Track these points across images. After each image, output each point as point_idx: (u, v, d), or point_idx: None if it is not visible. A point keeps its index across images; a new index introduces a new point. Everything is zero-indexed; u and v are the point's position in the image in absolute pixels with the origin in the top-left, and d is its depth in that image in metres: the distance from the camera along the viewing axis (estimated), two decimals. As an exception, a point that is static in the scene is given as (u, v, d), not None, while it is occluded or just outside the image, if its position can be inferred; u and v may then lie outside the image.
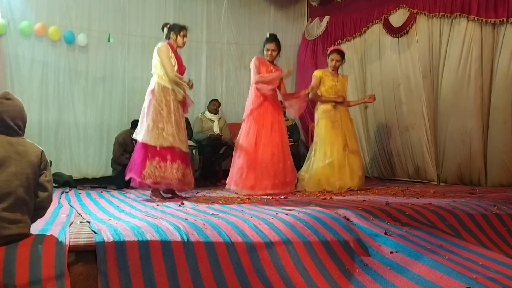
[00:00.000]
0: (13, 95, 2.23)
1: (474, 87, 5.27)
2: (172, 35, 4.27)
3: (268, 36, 4.69)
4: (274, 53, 4.61)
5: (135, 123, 5.89)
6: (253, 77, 4.60)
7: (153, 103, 4.06)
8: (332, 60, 4.98)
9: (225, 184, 4.69)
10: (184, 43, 4.31)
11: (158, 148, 4.00)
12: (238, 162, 4.50)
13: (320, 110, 4.97)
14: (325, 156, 4.80)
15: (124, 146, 5.81)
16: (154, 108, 4.05)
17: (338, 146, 4.80)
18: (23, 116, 2.20)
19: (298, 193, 4.56)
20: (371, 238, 2.58)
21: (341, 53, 5.06)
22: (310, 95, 4.95)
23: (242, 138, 4.55)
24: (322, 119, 4.93)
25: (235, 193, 4.51)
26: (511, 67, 5.04)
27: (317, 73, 5.05)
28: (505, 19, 5.05)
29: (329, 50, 5.17)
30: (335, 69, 5.04)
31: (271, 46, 4.59)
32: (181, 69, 4.28)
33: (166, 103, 4.09)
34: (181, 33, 4.26)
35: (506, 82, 5.06)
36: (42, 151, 2.21)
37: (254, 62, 4.60)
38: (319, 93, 4.97)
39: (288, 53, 7.32)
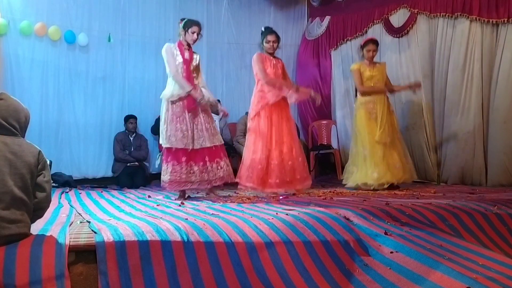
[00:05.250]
0: (8, 95, 2.21)
1: (475, 87, 5.26)
2: (181, 31, 4.22)
3: (264, 29, 4.57)
4: (275, 44, 4.49)
5: (126, 119, 6.16)
6: (262, 76, 4.41)
7: (163, 104, 4.16)
8: (369, 50, 4.97)
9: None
10: (194, 40, 4.20)
11: (166, 150, 4.09)
12: (248, 159, 4.40)
13: (359, 102, 5.01)
14: (363, 147, 4.84)
15: (123, 142, 6.13)
16: (163, 109, 4.15)
17: (374, 138, 4.81)
18: (18, 116, 2.17)
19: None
20: (371, 238, 2.58)
21: (376, 42, 5.07)
22: (360, 90, 4.97)
23: (251, 136, 4.45)
24: (360, 110, 4.97)
25: (239, 192, 4.54)
26: (511, 68, 5.04)
27: (354, 66, 5.06)
28: (506, 19, 5.04)
29: (363, 41, 5.15)
30: (372, 59, 5.01)
31: (272, 37, 4.47)
32: (187, 71, 4.18)
33: (172, 104, 4.11)
34: (190, 30, 4.17)
35: (507, 83, 5.05)
36: (40, 152, 2.20)
37: (257, 60, 4.44)
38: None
39: (288, 53, 7.33)
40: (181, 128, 4.07)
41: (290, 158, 4.40)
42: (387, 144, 4.84)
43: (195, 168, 4.11)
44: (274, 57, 4.59)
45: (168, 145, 4.06)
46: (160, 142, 4.19)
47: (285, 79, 4.61)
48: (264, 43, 4.51)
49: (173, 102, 4.10)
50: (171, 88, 4.10)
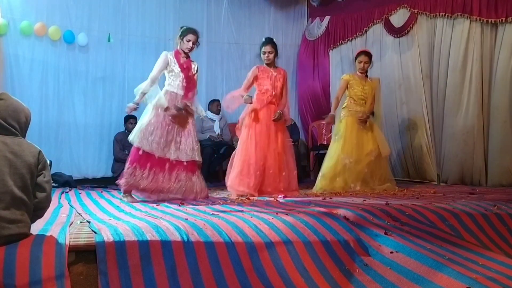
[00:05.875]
0: (8, 95, 2.21)
1: (474, 87, 5.27)
2: (178, 39, 4.20)
3: (263, 40, 4.63)
4: (271, 55, 4.53)
5: (126, 119, 6.12)
6: (242, 87, 4.56)
7: (151, 106, 4.09)
8: (360, 62, 4.91)
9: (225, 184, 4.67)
10: (189, 48, 4.17)
11: (140, 151, 3.97)
12: (242, 164, 4.39)
13: (347, 109, 4.93)
14: (345, 155, 4.73)
15: (122, 142, 6.08)
16: (151, 111, 4.07)
17: (361, 149, 4.74)
18: (18, 116, 2.17)
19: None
20: (371, 238, 2.57)
21: (369, 55, 4.97)
22: (334, 100, 4.95)
23: (244, 142, 4.46)
24: (349, 117, 4.88)
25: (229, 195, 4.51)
26: (510, 67, 5.04)
27: (345, 76, 5.02)
28: (504, 19, 5.05)
29: (356, 52, 5.11)
30: (364, 72, 4.94)
31: (267, 48, 4.52)
32: (187, 78, 4.14)
33: (162, 110, 4.05)
34: (185, 38, 4.15)
35: (505, 82, 5.07)
36: (40, 152, 2.20)
37: (250, 74, 4.56)
38: (346, 94, 4.93)
39: (288, 53, 7.34)
40: (166, 138, 4.00)
41: (285, 169, 4.44)
42: (372, 160, 4.80)
43: (182, 175, 4.02)
44: (276, 67, 4.61)
45: (147, 149, 3.93)
46: (135, 142, 3.98)
47: (282, 94, 4.61)
48: (261, 54, 4.57)
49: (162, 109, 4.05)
50: (158, 96, 4.07)
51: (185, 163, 4.06)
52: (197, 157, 4.16)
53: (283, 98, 4.64)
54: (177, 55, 4.19)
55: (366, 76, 5.01)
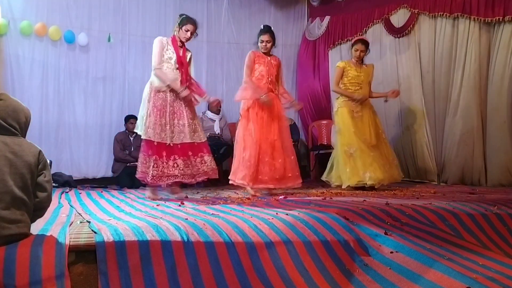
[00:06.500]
0: (7, 95, 2.21)
1: (474, 87, 5.27)
2: (176, 27, 4.22)
3: (262, 27, 4.61)
4: (269, 44, 4.53)
5: (127, 118, 6.13)
6: (244, 74, 4.56)
7: (144, 95, 4.16)
8: (357, 50, 4.91)
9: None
10: (186, 38, 4.18)
11: (147, 142, 4.06)
12: (239, 156, 4.44)
13: (340, 99, 4.95)
14: (348, 146, 4.74)
15: (123, 142, 6.12)
16: (143, 100, 4.15)
17: (360, 137, 4.74)
18: (17, 117, 2.17)
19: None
20: (371, 238, 2.58)
21: (366, 43, 4.98)
22: (333, 88, 4.94)
23: (241, 133, 4.49)
24: (342, 108, 4.88)
25: (235, 187, 4.59)
26: (508, 66, 5.04)
27: (340, 64, 5.02)
28: (501, 18, 5.05)
29: (353, 40, 5.12)
30: (359, 60, 4.97)
31: (265, 37, 4.51)
32: (180, 66, 4.18)
33: (154, 95, 4.10)
34: (184, 27, 4.16)
35: (503, 82, 5.06)
36: (40, 151, 2.20)
37: (248, 59, 4.55)
38: (341, 85, 4.95)
39: (288, 53, 7.34)
40: (160, 122, 4.05)
41: (280, 156, 4.41)
42: (374, 145, 4.80)
43: (179, 161, 4.07)
44: (271, 55, 4.61)
45: (145, 137, 4.04)
46: (138, 131, 4.13)
47: (277, 80, 4.63)
48: (258, 43, 4.56)
49: (156, 93, 4.10)
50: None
51: (179, 146, 4.09)
52: (197, 139, 4.19)
53: (280, 87, 4.67)
54: (173, 41, 4.21)
55: (362, 63, 5.03)
